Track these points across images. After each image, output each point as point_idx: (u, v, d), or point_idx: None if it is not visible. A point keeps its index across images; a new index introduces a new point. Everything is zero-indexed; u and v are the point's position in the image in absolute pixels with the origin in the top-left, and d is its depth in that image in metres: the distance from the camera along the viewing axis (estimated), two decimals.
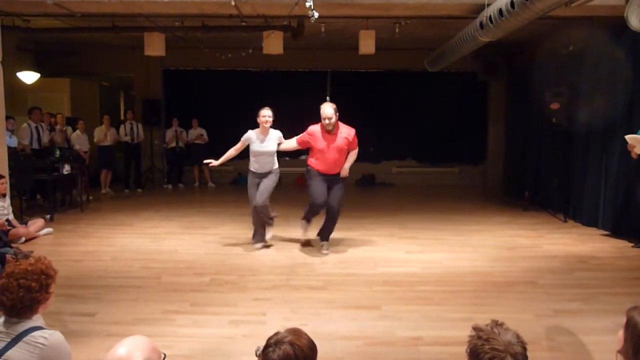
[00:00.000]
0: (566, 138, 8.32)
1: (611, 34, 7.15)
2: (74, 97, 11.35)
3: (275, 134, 6.09)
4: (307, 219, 6.29)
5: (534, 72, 9.21)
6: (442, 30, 8.74)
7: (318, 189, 5.89)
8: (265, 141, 6.02)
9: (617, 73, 7.06)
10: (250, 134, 6.06)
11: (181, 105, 12.15)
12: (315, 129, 5.89)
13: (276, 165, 6.18)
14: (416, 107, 11.96)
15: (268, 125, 5.97)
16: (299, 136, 6.07)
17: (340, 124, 5.81)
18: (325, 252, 6.04)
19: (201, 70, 12.23)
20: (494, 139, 12.34)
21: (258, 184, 6.09)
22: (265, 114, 5.95)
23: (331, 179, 5.91)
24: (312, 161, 5.98)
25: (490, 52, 10.18)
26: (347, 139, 5.80)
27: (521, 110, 10.31)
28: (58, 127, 9.95)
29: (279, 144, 6.09)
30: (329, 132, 5.77)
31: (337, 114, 5.73)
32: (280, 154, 6.27)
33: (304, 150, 6.36)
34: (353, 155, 5.98)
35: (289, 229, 6.69)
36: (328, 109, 5.72)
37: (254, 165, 6.13)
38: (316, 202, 5.93)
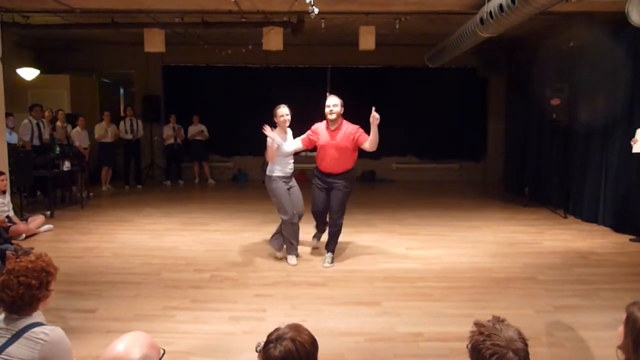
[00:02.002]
0: (566, 134, 8.32)
1: (612, 29, 7.14)
2: (74, 94, 11.32)
3: (290, 132, 5.72)
4: (317, 229, 6.01)
5: (535, 68, 9.21)
6: (442, 26, 8.72)
7: (315, 194, 5.63)
8: (287, 140, 5.60)
9: (618, 69, 7.05)
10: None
11: (181, 101, 12.14)
12: (318, 125, 5.62)
13: None
14: (416, 103, 11.94)
15: (287, 124, 5.57)
16: (303, 135, 5.71)
17: (344, 121, 5.52)
18: (325, 264, 5.56)
19: (201, 67, 12.20)
20: (494, 135, 12.34)
21: (289, 190, 5.60)
22: (284, 113, 5.51)
23: (331, 180, 5.53)
24: (317, 160, 5.66)
25: (490, 47, 10.15)
26: (350, 135, 5.42)
27: (521, 106, 10.30)
28: (59, 123, 9.97)
29: None
30: (332, 127, 5.48)
31: (342, 108, 5.47)
32: None
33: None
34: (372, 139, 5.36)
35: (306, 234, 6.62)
36: (333, 98, 5.46)
37: (284, 170, 5.56)
38: (313, 208, 5.74)
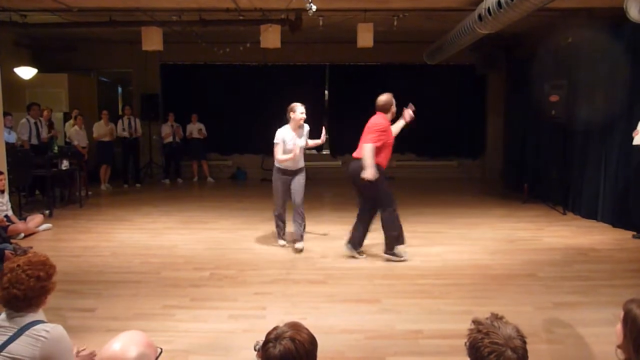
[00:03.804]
0: (565, 130, 8.31)
1: (610, 25, 7.13)
2: (72, 93, 11.30)
3: (306, 128, 6.02)
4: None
5: (533, 64, 9.19)
6: (441, 22, 8.71)
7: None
8: (301, 136, 5.93)
9: (617, 65, 7.04)
10: (283, 133, 5.85)
11: (179, 100, 12.11)
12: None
13: (303, 162, 6.10)
14: (415, 101, 11.86)
15: (303, 121, 5.91)
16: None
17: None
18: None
19: (199, 65, 12.18)
20: (492, 132, 12.33)
21: (287, 183, 5.97)
22: (303, 111, 5.86)
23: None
24: None
25: (488, 44, 10.15)
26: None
27: (520, 102, 10.29)
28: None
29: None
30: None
31: None
32: None
33: None
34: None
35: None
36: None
37: (285, 163, 5.90)
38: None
